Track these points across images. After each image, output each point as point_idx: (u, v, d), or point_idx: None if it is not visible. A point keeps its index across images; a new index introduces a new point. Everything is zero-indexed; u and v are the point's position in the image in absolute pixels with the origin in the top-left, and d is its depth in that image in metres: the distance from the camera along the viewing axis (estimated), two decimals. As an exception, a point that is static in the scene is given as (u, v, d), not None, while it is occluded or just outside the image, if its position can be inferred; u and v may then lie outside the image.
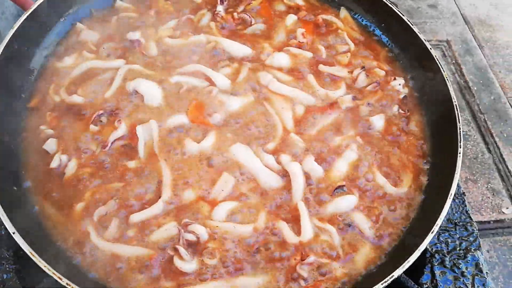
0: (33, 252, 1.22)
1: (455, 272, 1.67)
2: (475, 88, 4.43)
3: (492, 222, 3.49)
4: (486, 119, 4.18)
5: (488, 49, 4.79)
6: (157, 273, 1.36)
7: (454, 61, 4.63)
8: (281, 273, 1.39)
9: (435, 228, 1.38)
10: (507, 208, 3.60)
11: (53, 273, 1.20)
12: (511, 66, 4.65)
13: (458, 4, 5.14)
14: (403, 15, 1.93)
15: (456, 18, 5.04)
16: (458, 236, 1.76)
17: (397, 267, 1.30)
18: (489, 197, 3.66)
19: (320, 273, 1.39)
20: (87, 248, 1.37)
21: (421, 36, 1.86)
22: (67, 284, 1.18)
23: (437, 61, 1.77)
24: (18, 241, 1.24)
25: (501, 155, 3.92)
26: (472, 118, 4.15)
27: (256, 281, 1.37)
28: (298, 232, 1.46)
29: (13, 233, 1.25)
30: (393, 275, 1.28)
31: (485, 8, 5.17)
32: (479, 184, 3.75)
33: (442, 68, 1.77)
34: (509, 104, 4.32)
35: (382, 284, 1.27)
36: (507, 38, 4.88)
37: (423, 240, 1.35)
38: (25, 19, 1.69)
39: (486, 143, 4.01)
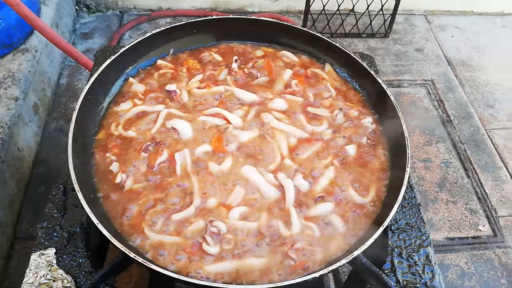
0: (111, 236, 1.82)
1: (409, 262, 2.16)
2: (456, 121, 4.98)
3: (470, 238, 3.98)
4: (466, 148, 4.71)
5: (469, 87, 5.36)
6: (191, 255, 1.94)
7: (437, 98, 5.20)
8: (277, 256, 1.93)
9: (385, 224, 1.93)
10: (483, 226, 4.08)
11: (124, 249, 1.79)
12: (489, 101, 5.19)
13: (442, 48, 5.75)
14: (370, 68, 2.54)
15: (440, 60, 5.65)
16: (413, 235, 2.27)
17: (357, 249, 1.87)
18: (467, 216, 4.14)
19: (303, 255, 1.95)
20: (142, 238, 1.96)
21: (383, 85, 2.44)
22: (134, 256, 1.77)
23: (394, 104, 2.36)
24: (100, 229, 1.83)
25: (479, 180, 4.44)
26: (453, 147, 4.68)
27: (259, 261, 1.79)
28: (289, 227, 2.04)
29: (97, 223, 1.85)
30: (353, 254, 1.83)
31: (467, 50, 5.76)
32: (458, 205, 4.25)
33: (397, 108, 2.34)
34: (487, 135, 4.84)
35: (346, 259, 1.81)
36: (486, 77, 5.44)
37: (373, 234, 1.90)
38: (95, 79, 2.34)
39: (465, 169, 4.52)
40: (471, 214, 4.16)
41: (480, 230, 4.03)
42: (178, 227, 1.89)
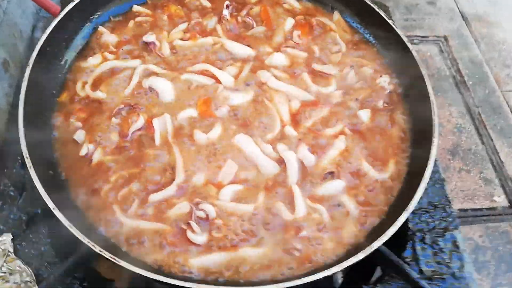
0: (71, 225, 1.46)
1: (434, 248, 1.87)
2: (470, 82, 4.58)
3: (484, 209, 3.68)
4: (481, 112, 4.34)
5: (484, 45, 4.92)
6: (173, 245, 1.60)
7: (450, 56, 4.78)
8: (278, 245, 1.60)
9: (410, 207, 1.59)
10: (498, 196, 3.79)
11: (88, 242, 1.44)
12: (506, 61, 4.79)
13: (456, 1, 5.28)
14: (388, 18, 2.12)
15: (453, 14, 5.17)
16: (437, 217, 1.96)
17: (376, 240, 1.53)
18: (481, 186, 3.84)
19: (311, 245, 1.62)
20: (113, 224, 1.61)
21: (404, 38, 2.05)
22: (99, 251, 1.42)
23: (417, 61, 1.97)
24: (58, 216, 1.48)
25: (494, 146, 4.10)
26: (467, 111, 4.31)
27: (257, 251, 1.57)
28: (293, 211, 1.69)
29: (53, 208, 1.49)
30: (372, 246, 1.51)
31: (483, 4, 5.29)
32: (472, 174, 3.93)
33: (421, 65, 1.97)
34: (503, 97, 4.47)
35: (363, 253, 1.49)
36: (503, 34, 5.00)
37: (397, 218, 1.57)
38: (55, 25, 1.92)
39: (479, 135, 4.17)
40: (486, 183, 3.87)
41: (495, 201, 3.78)
42: (157, 211, 1.67)
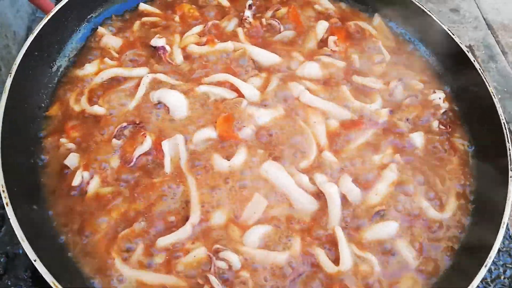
0: (56, 282, 1.13)
1: None
2: (499, 96, 4.28)
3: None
4: (511, 128, 4.03)
5: (512, 55, 4.61)
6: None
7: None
8: None
9: (488, 261, 1.27)
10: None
11: (78, 306, 1.10)
12: (537, 72, 4.46)
13: (480, 8, 4.98)
14: (443, 24, 1.80)
15: (478, 22, 4.88)
16: (501, 263, 1.65)
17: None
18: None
19: (360, 307, 1.29)
20: (112, 276, 1.28)
21: (463, 47, 1.74)
22: (92, 318, 1.09)
23: (481, 74, 1.65)
24: (40, 270, 1.15)
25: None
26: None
27: None
28: (335, 260, 1.36)
29: (35, 260, 1.16)
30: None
31: (509, 12, 5.00)
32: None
33: (486, 81, 1.65)
34: (535, 113, 4.14)
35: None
36: (532, 44, 4.68)
37: (475, 275, 1.24)
38: (45, 24, 1.59)
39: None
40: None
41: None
42: (167, 259, 1.34)
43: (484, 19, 4.97)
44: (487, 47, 4.65)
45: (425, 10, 1.83)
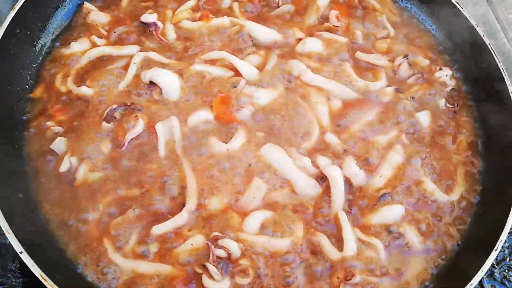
0: (44, 276, 1.06)
1: (505, 286, 1.52)
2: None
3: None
4: (511, 105, 3.97)
5: (513, 31, 4.52)
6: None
7: (477, 44, 4.36)
8: None
9: (499, 245, 1.21)
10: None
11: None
12: (538, 50, 4.38)
13: (480, -18, 4.85)
14: (449, -6, 1.71)
15: (478, -3, 4.76)
16: (507, 245, 1.60)
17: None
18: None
19: (366, 294, 1.24)
20: (104, 267, 1.21)
21: (472, 21, 1.65)
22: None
23: (491, 50, 1.57)
24: (27, 262, 1.08)
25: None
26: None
27: None
28: (339, 246, 1.30)
29: (21, 252, 1.09)
30: (454, 302, 1.13)
31: (509, -15, 4.87)
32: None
33: (496, 57, 1.57)
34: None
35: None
36: (533, 20, 4.59)
37: (486, 258, 1.19)
38: (26, 2, 1.48)
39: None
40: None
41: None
42: (162, 247, 1.27)
43: (484, -7, 4.85)
44: (486, 24, 4.54)
45: (432, -18, 1.73)
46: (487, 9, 4.75)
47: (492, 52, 1.56)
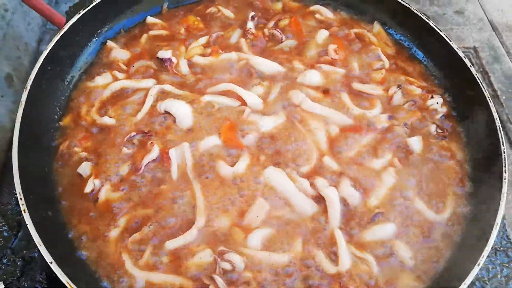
0: (71, 283, 1.20)
1: None
2: (504, 97, 4.26)
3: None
4: (515, 130, 3.99)
5: (518, 56, 4.60)
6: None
7: (481, 69, 4.47)
8: None
9: (481, 260, 1.31)
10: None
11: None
12: (543, 73, 4.44)
13: (485, 10, 4.97)
14: (440, 30, 1.85)
15: (483, 24, 4.86)
16: (499, 262, 1.68)
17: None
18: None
19: (360, 305, 1.34)
20: (122, 277, 1.35)
21: (460, 53, 1.79)
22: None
23: (478, 80, 1.69)
24: (56, 271, 1.22)
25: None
26: (502, 128, 3.99)
27: None
28: (335, 261, 1.41)
29: (51, 263, 1.23)
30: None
31: (514, 12, 4.97)
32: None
33: (483, 86, 1.69)
34: (540, 114, 4.12)
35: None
36: (538, 44, 4.66)
37: (468, 273, 1.28)
38: (58, 40, 1.67)
39: (515, 153, 3.83)
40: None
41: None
42: (174, 261, 1.40)
43: (488, 20, 4.96)
44: (491, 49, 4.65)
45: (424, 17, 1.88)
46: (491, 34, 4.87)
47: (479, 81, 1.68)
